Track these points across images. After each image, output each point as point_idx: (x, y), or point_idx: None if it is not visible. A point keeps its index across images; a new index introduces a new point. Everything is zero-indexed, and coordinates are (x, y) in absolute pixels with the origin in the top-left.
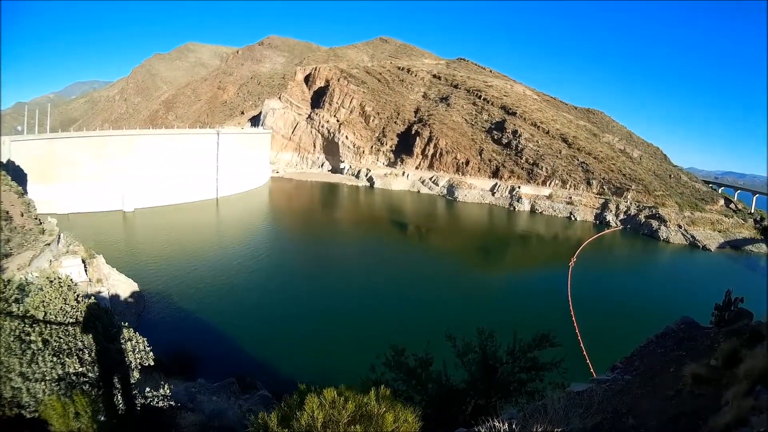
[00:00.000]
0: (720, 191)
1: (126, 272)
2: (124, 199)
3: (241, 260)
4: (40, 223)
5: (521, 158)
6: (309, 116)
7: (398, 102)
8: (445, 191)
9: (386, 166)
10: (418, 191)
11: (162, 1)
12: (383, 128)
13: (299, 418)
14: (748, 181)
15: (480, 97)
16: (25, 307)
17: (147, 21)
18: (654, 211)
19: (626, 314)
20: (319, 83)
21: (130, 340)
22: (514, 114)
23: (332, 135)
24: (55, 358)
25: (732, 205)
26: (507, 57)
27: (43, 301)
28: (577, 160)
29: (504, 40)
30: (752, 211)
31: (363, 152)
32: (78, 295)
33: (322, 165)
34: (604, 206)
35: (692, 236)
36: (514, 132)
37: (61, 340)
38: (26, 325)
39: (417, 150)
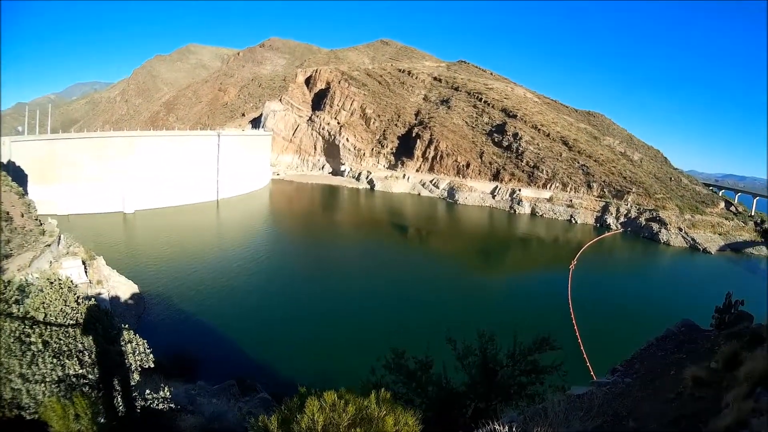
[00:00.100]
0: (720, 194)
1: (126, 274)
2: (125, 200)
3: (242, 262)
4: (41, 224)
5: (522, 161)
6: (310, 118)
7: (399, 104)
8: (445, 194)
9: (387, 168)
10: (419, 194)
11: (163, 1)
12: (384, 131)
13: (299, 421)
14: (749, 183)
15: (480, 100)
16: (26, 309)
17: (148, 22)
18: (654, 213)
19: (626, 317)
20: (320, 85)
21: (130, 342)
22: (514, 117)
23: (333, 137)
24: (55, 360)
25: (732, 208)
26: (508, 60)
27: (44, 303)
28: (578, 162)
29: (505, 42)
30: (753, 214)
31: (363, 155)
32: (78, 297)
33: (322, 167)
34: (605, 209)
35: (693, 239)
36: (515, 135)
37: (62, 341)
38: (26, 327)
39: (417, 152)
